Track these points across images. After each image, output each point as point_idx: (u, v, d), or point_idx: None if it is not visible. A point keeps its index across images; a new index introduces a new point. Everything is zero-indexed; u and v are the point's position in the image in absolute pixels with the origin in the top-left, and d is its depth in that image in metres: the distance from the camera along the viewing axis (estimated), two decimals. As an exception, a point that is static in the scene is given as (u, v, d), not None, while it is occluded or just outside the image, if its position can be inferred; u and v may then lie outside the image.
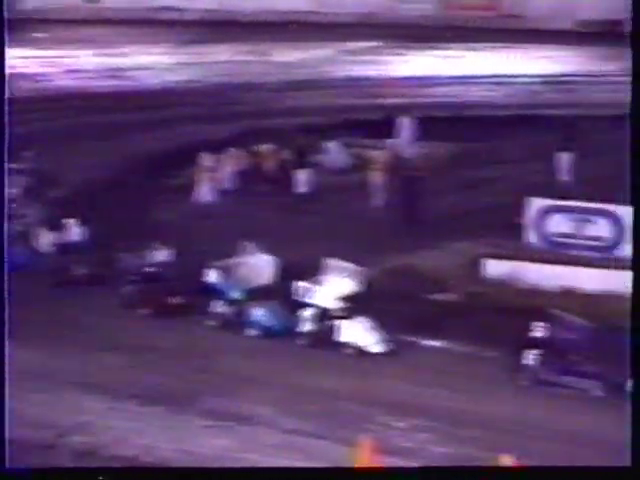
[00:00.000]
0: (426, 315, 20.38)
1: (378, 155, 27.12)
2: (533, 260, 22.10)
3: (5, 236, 13.86)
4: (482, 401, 17.33)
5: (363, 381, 18.05)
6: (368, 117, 31.35)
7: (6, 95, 13.78)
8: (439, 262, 22.38)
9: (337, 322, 19.49)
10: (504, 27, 46.49)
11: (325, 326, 19.51)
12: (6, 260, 13.58)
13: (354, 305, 19.76)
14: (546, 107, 33.65)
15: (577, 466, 12.94)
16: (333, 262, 20.25)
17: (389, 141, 28.69)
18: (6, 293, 13.70)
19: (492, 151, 29.08)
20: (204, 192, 26.41)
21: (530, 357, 18.15)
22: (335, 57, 42.04)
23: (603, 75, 38.58)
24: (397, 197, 25.19)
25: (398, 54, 42.78)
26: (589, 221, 22.55)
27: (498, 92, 36.92)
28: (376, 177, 26.05)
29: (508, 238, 22.85)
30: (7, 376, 13.87)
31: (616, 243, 22.40)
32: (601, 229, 22.44)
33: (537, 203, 22.94)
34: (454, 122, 31.71)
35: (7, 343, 13.78)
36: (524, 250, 22.65)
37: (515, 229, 22.87)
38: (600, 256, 22.26)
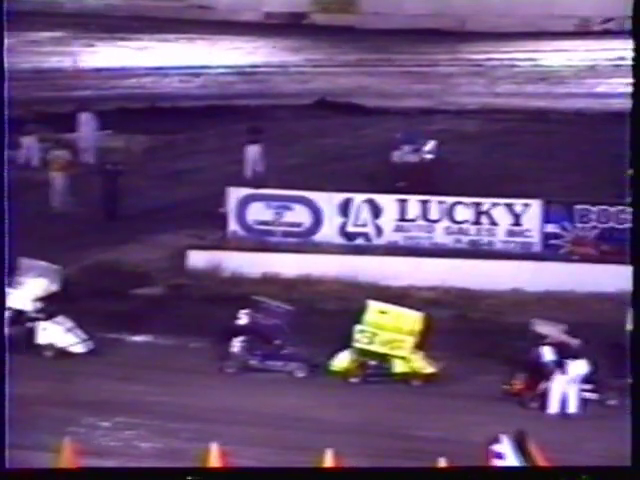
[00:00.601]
0: (130, 310, 20.16)
1: (62, 151, 26.49)
2: (236, 249, 22.37)
3: (6, 234, 12.76)
4: (190, 392, 17.29)
5: (65, 383, 17.56)
6: (58, 110, 30.60)
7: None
8: (142, 256, 22.21)
9: (34, 324, 18.88)
10: (194, 18, 46.68)
11: (22, 329, 18.84)
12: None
13: (52, 305, 19.20)
14: (239, 97, 34.08)
15: (576, 466, 13.08)
16: (28, 262, 19.52)
17: (73, 135, 28.08)
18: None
19: (189, 142, 29.15)
20: None
21: (236, 345, 18.33)
22: (19, 47, 40.76)
23: (289, 66, 39.53)
24: (95, 192, 24.74)
25: (88, 45, 42.07)
26: (287, 208, 23.06)
27: (191, 83, 37.04)
28: (58, 173, 25.43)
29: (211, 228, 23.00)
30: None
31: (314, 229, 23.03)
32: (299, 215, 22.99)
33: (237, 192, 23.22)
34: (149, 114, 31.53)
35: None
36: (227, 239, 22.88)
37: (217, 219, 23.05)
38: (298, 241, 22.83)
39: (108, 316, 19.74)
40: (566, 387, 16.82)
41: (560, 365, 16.90)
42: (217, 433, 14.81)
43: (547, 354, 17.03)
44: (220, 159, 27.20)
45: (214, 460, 13.67)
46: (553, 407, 16.86)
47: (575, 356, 16.97)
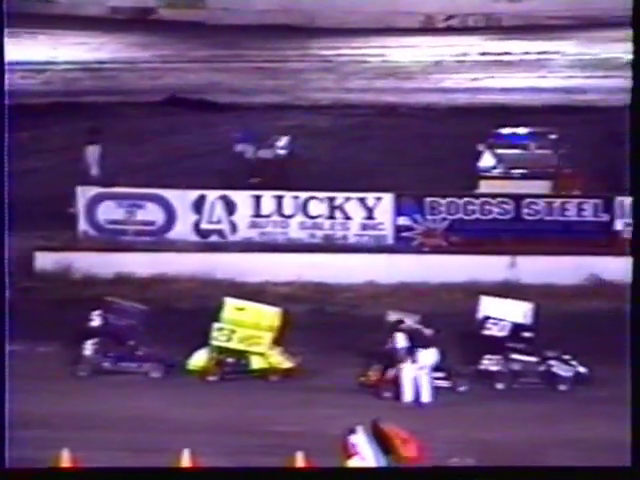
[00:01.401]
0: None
1: None
2: (87, 249, 21.94)
3: (5, 235, 12.02)
4: (40, 399, 16.73)
5: None
6: None
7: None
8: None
9: None
10: (35, 12, 45.69)
11: None
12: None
13: None
14: (85, 94, 33.49)
15: (576, 466, 12.82)
16: None
17: None
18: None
19: (34, 141, 28.42)
20: None
21: (88, 347, 17.96)
22: None
23: (138, 62, 39.06)
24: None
25: None
26: (139, 207, 22.74)
27: (35, 79, 36.22)
28: None
29: (60, 229, 22.50)
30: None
31: (167, 227, 22.76)
32: (151, 214, 22.70)
33: (86, 191, 22.80)
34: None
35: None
36: (77, 240, 22.44)
37: (66, 219, 22.56)
38: (152, 240, 22.53)
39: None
40: (416, 375, 16.97)
41: (411, 353, 17.07)
42: (69, 439, 14.37)
43: (400, 340, 17.18)
44: (67, 157, 26.60)
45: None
46: (407, 396, 17.01)
47: (426, 345, 17.16)
